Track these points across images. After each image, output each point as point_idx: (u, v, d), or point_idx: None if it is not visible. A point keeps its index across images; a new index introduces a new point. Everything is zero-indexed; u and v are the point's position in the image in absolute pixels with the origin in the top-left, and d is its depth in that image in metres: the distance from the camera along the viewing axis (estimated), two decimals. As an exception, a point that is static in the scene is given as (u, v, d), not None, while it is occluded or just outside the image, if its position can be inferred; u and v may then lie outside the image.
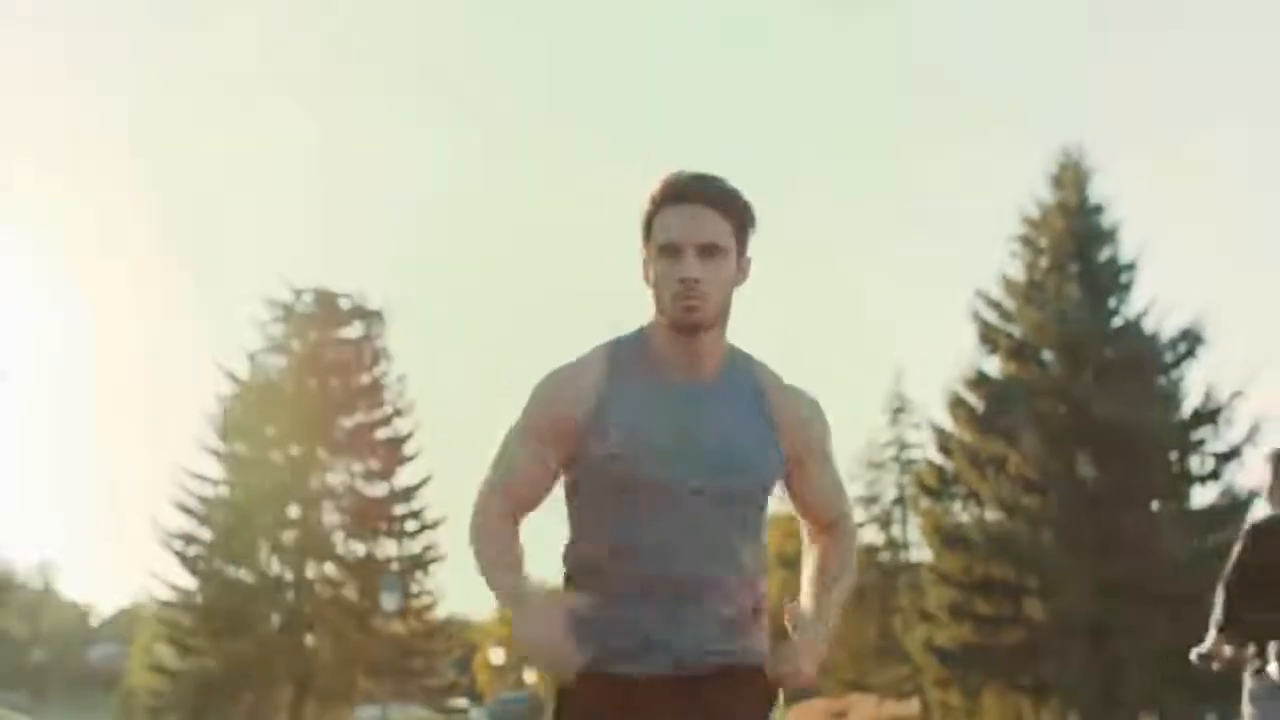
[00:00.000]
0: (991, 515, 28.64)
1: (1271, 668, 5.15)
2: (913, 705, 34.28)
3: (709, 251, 2.59)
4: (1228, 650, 5.21)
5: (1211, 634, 5.28)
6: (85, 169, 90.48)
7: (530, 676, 55.79)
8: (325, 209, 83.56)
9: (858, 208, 76.90)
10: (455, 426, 63.81)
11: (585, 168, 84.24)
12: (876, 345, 72.06)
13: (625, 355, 2.68)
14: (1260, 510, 5.53)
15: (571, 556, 2.71)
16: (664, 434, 2.60)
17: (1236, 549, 5.25)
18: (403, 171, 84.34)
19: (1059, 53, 75.96)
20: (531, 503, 2.72)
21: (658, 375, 2.65)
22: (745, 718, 2.67)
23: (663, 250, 2.60)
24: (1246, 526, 5.34)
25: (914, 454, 38.49)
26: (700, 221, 2.58)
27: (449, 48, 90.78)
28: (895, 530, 39.60)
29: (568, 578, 2.71)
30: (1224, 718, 25.03)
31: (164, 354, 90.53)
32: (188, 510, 34.20)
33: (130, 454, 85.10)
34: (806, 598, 2.76)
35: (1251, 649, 5.19)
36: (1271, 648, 5.06)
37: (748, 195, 2.67)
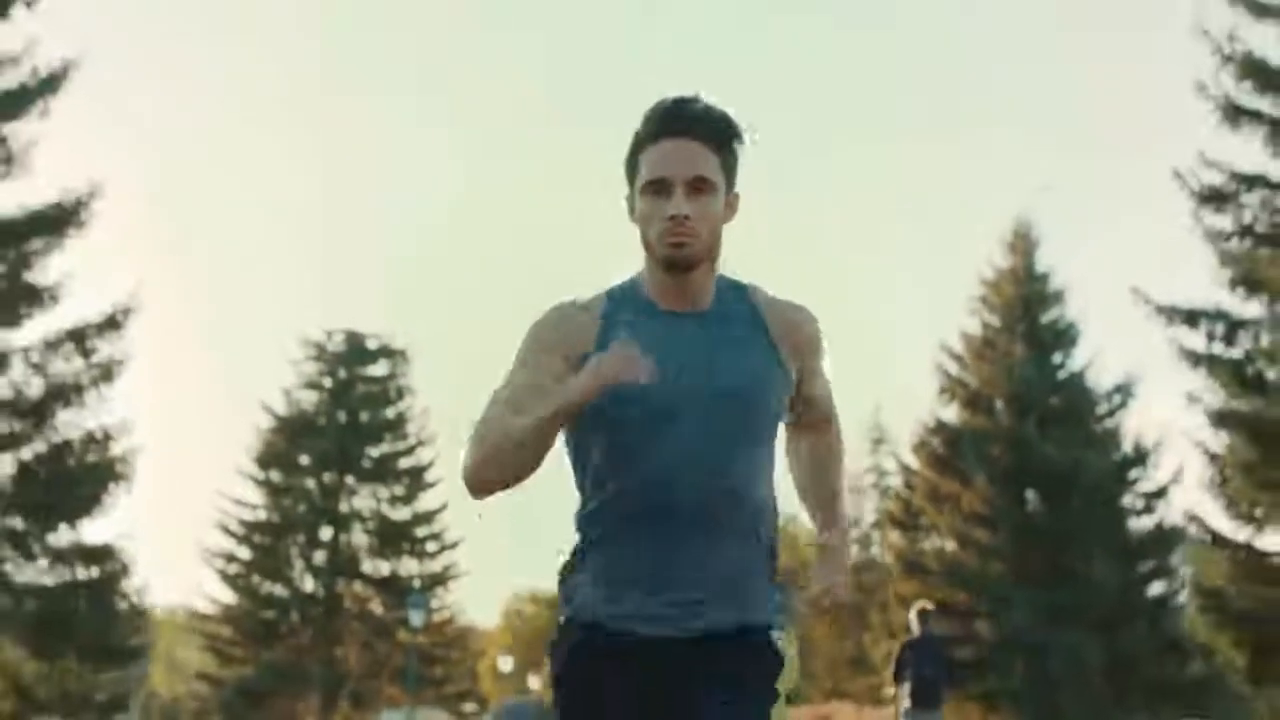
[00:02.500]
0: (949, 546, 34.55)
1: (905, 703, 11.38)
2: (888, 712, 40.00)
3: (697, 187, 2.65)
4: (899, 694, 11.53)
5: (892, 687, 11.58)
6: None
7: (535, 682, 61.31)
8: (330, 226, 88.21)
9: (852, 215, 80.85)
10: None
11: (589, 177, 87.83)
12: (867, 360, 76.67)
13: (621, 297, 2.77)
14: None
15: (580, 502, 2.79)
16: (663, 363, 2.63)
17: (897, 652, 11.58)
18: (409, 183, 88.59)
19: (1058, 53, 79.93)
20: None
21: (654, 309, 2.74)
22: (755, 684, 2.74)
23: (649, 186, 2.66)
24: (903, 641, 11.65)
25: (891, 480, 44.33)
26: (688, 156, 2.65)
27: (452, 51, 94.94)
28: (874, 551, 45.58)
29: (579, 533, 2.78)
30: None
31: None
32: (228, 531, 39.37)
33: (140, 469, 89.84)
34: (817, 508, 2.94)
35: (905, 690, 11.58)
36: (905, 688, 11.37)
37: (737, 117, 2.71)
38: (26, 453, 22.07)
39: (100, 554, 22.60)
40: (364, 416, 40.98)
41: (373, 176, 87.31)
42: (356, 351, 41.34)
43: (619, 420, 2.67)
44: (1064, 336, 34.48)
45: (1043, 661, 31.93)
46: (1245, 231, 21.52)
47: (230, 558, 39.66)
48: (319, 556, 40.19)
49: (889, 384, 76.31)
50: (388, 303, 78.43)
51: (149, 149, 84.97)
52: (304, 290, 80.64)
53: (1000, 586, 32.71)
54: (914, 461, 35.31)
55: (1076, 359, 34.44)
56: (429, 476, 41.09)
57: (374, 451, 40.91)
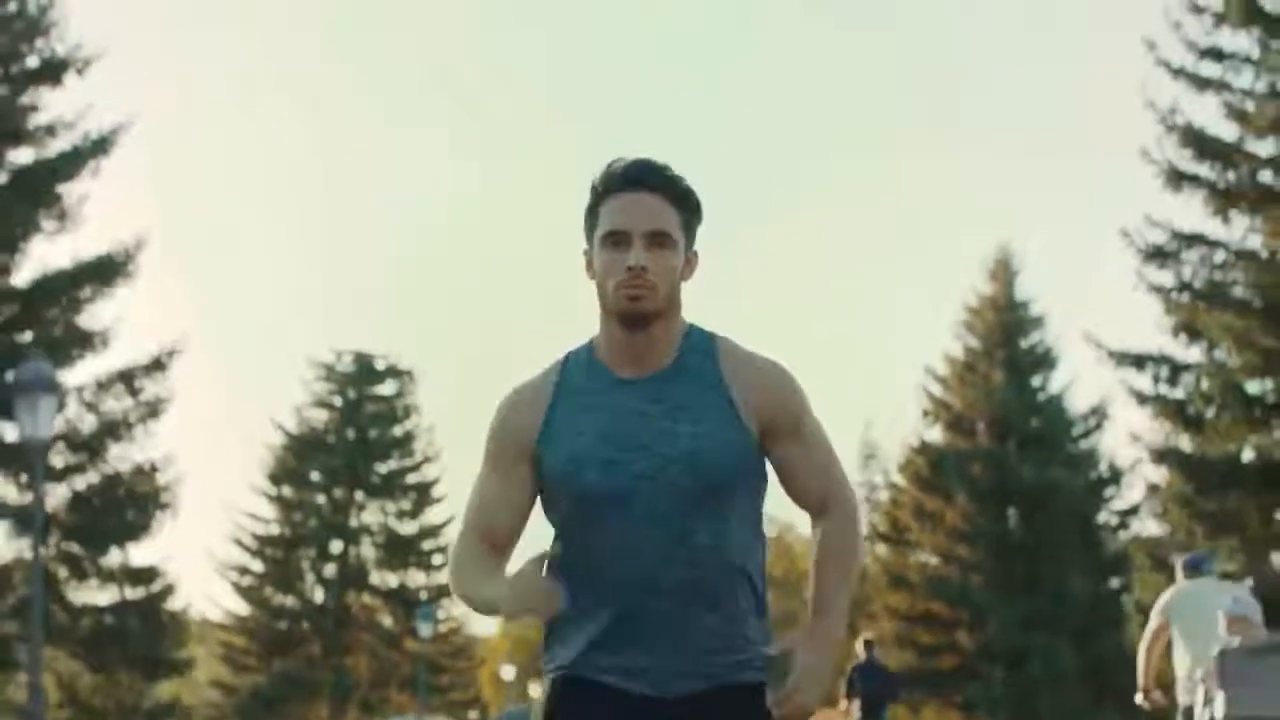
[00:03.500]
0: (932, 560, 37.35)
1: (856, 715, 14.31)
2: (879, 718, 42.68)
3: (657, 240, 2.66)
4: (850, 708, 14.39)
5: (844, 701, 14.43)
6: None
7: (535, 690, 63.60)
8: (334, 241, 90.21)
9: (849, 220, 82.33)
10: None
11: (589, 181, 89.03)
12: (861, 374, 78.51)
13: (575, 364, 2.77)
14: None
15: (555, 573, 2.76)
16: (607, 437, 2.68)
17: (848, 674, 14.42)
18: (410, 193, 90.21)
19: (1057, 53, 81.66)
20: (508, 531, 2.80)
21: (606, 376, 2.73)
22: None
23: (608, 239, 2.68)
24: (852, 665, 14.48)
25: (882, 495, 46.91)
26: (648, 209, 2.67)
27: (455, 55, 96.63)
28: (866, 563, 48.23)
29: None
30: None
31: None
32: (242, 545, 41.71)
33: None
34: (810, 609, 2.76)
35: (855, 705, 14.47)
36: (855, 704, 14.24)
37: (697, 188, 2.74)
38: (80, 483, 24.95)
39: (147, 575, 25.58)
40: (372, 434, 43.45)
41: (376, 186, 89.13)
42: (365, 371, 43.82)
43: (570, 507, 2.74)
44: (1042, 361, 37.25)
45: (1021, 670, 34.58)
46: (1185, 287, 24.34)
47: (244, 570, 42.00)
48: (329, 569, 42.61)
49: (885, 396, 78.53)
50: (391, 317, 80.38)
51: (161, 178, 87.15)
52: (313, 308, 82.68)
53: (980, 598, 35.45)
54: (900, 480, 38.14)
55: (1054, 382, 37.24)
56: (435, 492, 43.70)
57: (382, 468, 43.44)
